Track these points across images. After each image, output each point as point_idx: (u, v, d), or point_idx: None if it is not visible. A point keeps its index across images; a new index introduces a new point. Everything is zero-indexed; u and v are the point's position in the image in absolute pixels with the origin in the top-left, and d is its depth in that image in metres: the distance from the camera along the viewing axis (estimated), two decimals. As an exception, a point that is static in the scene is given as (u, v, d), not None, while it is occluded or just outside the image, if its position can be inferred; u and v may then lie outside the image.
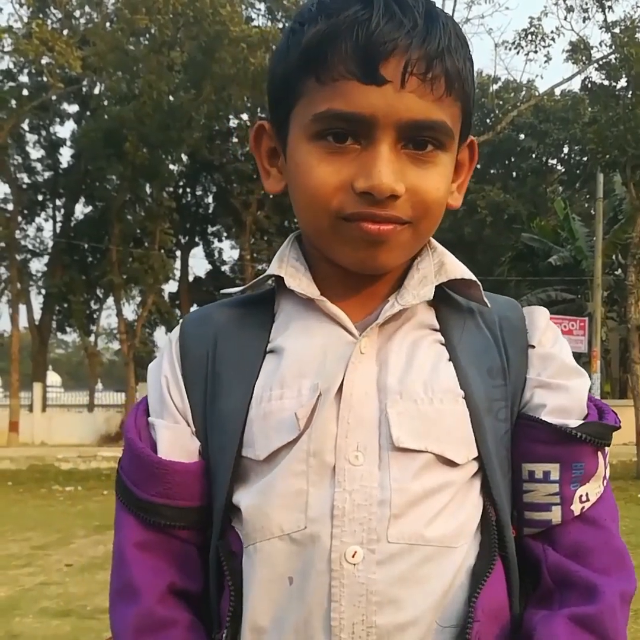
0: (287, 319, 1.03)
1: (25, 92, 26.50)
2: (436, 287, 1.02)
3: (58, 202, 30.48)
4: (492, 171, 35.11)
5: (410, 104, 0.91)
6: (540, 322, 1.06)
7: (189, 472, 1.00)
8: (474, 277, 1.03)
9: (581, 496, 0.99)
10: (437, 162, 0.95)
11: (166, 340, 1.10)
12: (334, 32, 0.91)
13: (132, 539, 1.01)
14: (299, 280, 1.02)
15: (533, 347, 1.04)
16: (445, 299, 1.05)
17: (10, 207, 27.86)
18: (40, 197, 30.24)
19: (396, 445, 0.92)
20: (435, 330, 1.02)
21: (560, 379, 1.02)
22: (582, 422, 0.99)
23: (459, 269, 1.04)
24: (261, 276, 1.05)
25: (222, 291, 1.12)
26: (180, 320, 1.11)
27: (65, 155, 32.98)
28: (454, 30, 0.95)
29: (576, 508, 0.98)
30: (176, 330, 1.09)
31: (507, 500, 0.98)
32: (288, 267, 1.03)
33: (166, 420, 1.03)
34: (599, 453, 1.00)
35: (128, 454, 1.03)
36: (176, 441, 1.02)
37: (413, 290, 1.01)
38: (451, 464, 0.94)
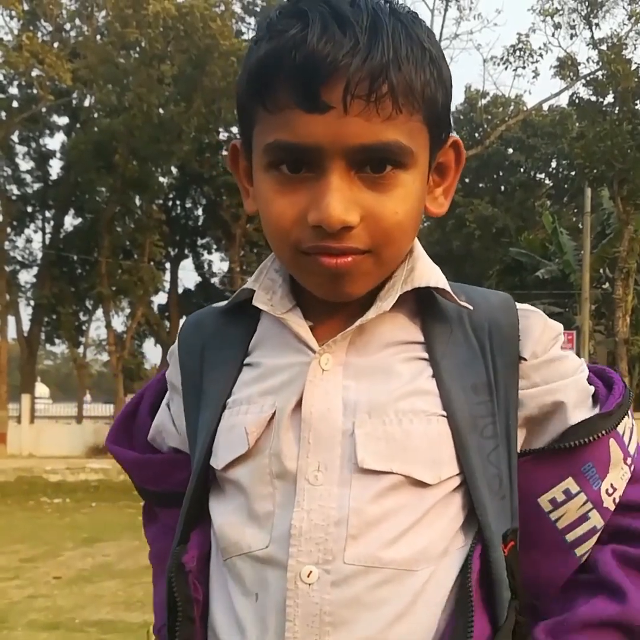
0: (264, 332, 1.02)
1: (15, 104, 26.52)
2: (423, 294, 0.98)
3: (47, 214, 30.40)
4: (480, 185, 35.24)
5: (356, 129, 0.85)
6: (535, 330, 0.99)
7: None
8: (441, 285, 0.97)
9: (607, 490, 0.96)
10: (397, 183, 0.89)
11: (173, 346, 1.12)
12: (274, 57, 0.86)
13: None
14: (272, 294, 0.99)
15: (525, 359, 0.98)
16: (431, 306, 0.98)
17: (-1, 218, 27.81)
18: (29, 209, 30.14)
19: (360, 466, 0.89)
20: (419, 343, 0.97)
21: (554, 387, 0.98)
22: (572, 424, 0.97)
23: (425, 276, 0.97)
24: (239, 290, 1.03)
25: (213, 306, 1.12)
26: (182, 322, 1.12)
27: (55, 167, 33.06)
28: (404, 36, 0.87)
29: (608, 503, 0.96)
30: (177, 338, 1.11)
31: (496, 520, 0.92)
32: (265, 279, 1.01)
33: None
34: (610, 440, 0.96)
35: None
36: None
37: (380, 302, 0.95)
38: (421, 484, 0.90)
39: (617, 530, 0.98)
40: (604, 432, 0.96)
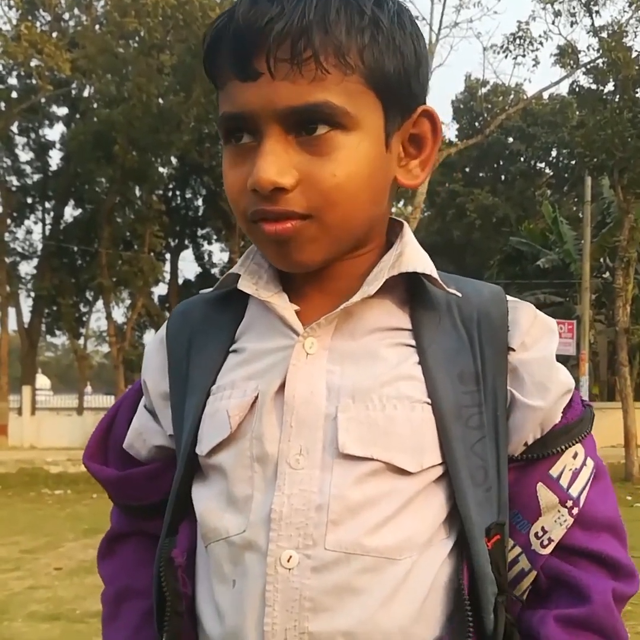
0: (251, 317, 1.01)
1: (14, 94, 26.47)
2: (413, 281, 0.97)
3: (47, 205, 30.39)
4: (481, 174, 35.25)
5: (284, 92, 0.86)
6: (524, 321, 0.97)
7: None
8: (428, 271, 0.96)
9: (536, 533, 0.94)
10: (336, 145, 0.88)
11: (157, 336, 1.10)
12: (216, 36, 0.90)
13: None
14: (258, 278, 0.99)
15: (513, 350, 0.96)
16: (420, 294, 0.97)
17: (-1, 209, 27.79)
18: (29, 200, 30.12)
19: (341, 451, 0.88)
20: (406, 329, 0.95)
21: (534, 399, 0.95)
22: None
23: (414, 262, 0.95)
24: (225, 275, 1.02)
25: (200, 292, 1.10)
26: (169, 314, 1.11)
27: (55, 158, 33.04)
28: (336, 1, 0.87)
29: (537, 547, 0.95)
30: (164, 327, 1.09)
31: (479, 511, 0.90)
32: (251, 264, 1.00)
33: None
34: (537, 485, 0.95)
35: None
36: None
37: (366, 286, 0.94)
38: (402, 472, 0.89)
39: (557, 577, 0.96)
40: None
